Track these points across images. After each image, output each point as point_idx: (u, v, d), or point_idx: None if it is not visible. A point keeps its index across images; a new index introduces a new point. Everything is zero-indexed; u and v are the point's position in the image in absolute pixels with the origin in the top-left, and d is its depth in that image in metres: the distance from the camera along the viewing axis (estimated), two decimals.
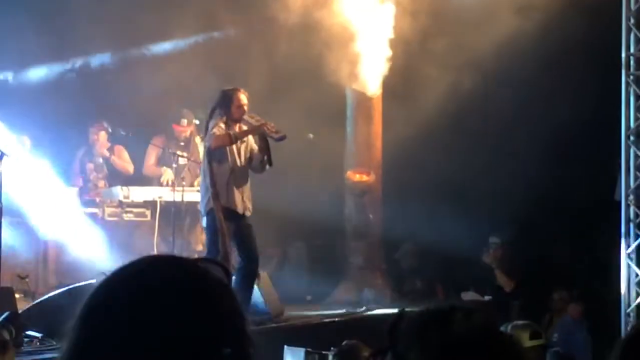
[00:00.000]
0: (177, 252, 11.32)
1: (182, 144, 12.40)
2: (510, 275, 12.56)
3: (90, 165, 12.45)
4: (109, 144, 12.63)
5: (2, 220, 9.34)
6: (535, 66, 12.40)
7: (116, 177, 12.52)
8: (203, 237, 12.12)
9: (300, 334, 9.64)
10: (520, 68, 12.25)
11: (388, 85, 12.22)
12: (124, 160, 12.65)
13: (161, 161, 12.55)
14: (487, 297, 12.45)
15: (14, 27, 12.09)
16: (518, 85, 12.52)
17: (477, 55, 11.97)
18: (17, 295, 9.54)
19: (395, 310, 2.08)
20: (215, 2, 12.52)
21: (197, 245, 12.03)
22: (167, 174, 12.33)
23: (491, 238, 12.70)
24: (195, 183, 12.01)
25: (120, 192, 11.90)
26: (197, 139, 12.32)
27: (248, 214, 9.66)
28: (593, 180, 12.21)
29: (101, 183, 12.45)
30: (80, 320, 1.53)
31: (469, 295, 12.42)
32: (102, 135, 12.54)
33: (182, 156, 12.03)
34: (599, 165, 12.13)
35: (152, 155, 12.63)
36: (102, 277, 1.56)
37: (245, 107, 9.59)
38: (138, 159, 12.72)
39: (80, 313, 1.53)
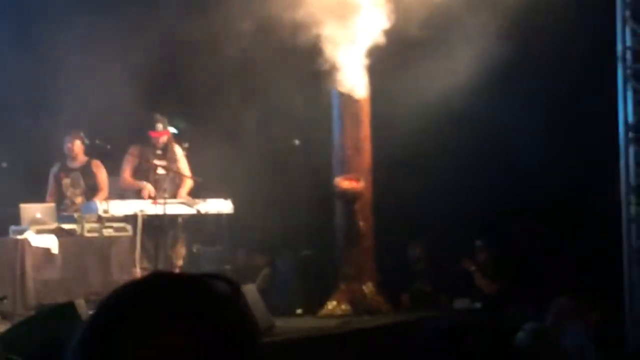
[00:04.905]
0: (160, 267, 10.96)
1: (160, 152, 11.81)
2: (492, 278, 12.20)
3: (66, 181, 11.93)
4: (86, 158, 12.11)
5: None
6: (532, 65, 11.96)
7: (95, 192, 12.01)
8: (183, 251, 11.76)
9: (291, 348, 9.27)
10: (515, 66, 11.77)
11: (376, 85, 11.76)
12: (103, 177, 12.11)
13: (138, 172, 11.93)
14: (477, 304, 12.11)
15: None
16: (512, 83, 12.08)
17: (472, 52, 11.45)
18: None
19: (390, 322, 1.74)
20: None
21: (178, 261, 11.62)
22: (148, 187, 11.73)
23: (476, 242, 12.44)
24: (179, 194, 11.64)
25: (100, 206, 11.37)
26: (175, 147, 11.86)
27: None
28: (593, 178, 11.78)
29: (79, 199, 11.93)
30: (80, 345, 1.45)
31: (463, 303, 12.07)
32: (78, 145, 11.97)
33: (161, 166, 11.56)
34: (599, 163, 11.68)
35: (128, 166, 12.02)
36: (102, 298, 1.50)
37: None
38: (115, 172, 12.18)
39: (82, 337, 1.46)
